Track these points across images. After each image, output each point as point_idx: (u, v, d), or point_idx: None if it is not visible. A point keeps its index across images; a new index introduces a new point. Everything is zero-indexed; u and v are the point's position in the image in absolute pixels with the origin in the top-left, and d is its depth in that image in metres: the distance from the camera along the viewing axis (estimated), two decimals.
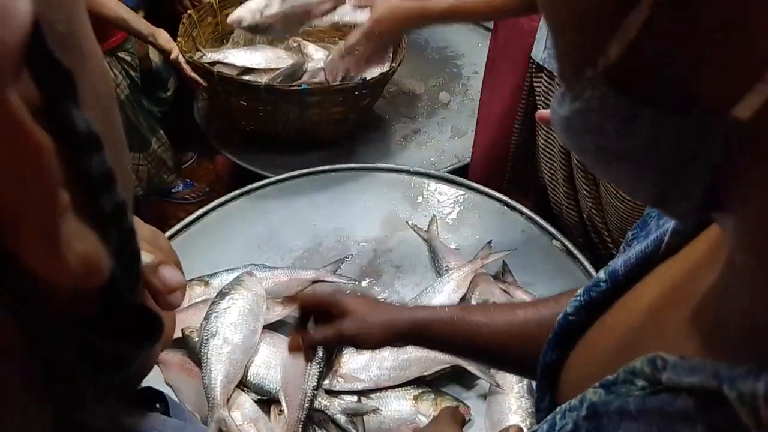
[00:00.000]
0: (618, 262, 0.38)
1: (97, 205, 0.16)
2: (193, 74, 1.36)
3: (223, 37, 1.61)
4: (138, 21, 1.35)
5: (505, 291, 1.11)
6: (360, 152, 1.56)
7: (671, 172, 0.23)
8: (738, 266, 0.25)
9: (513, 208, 1.29)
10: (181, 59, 1.35)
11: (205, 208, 1.29)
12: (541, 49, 1.09)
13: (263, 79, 1.43)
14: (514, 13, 0.99)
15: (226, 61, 1.45)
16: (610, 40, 0.20)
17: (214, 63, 1.44)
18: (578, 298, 0.40)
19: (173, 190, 2.09)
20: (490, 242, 1.18)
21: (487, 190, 1.33)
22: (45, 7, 0.14)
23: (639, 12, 0.19)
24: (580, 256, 1.16)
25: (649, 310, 0.34)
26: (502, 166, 1.33)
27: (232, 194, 1.32)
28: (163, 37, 1.35)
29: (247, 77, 1.43)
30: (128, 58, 1.48)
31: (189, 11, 1.50)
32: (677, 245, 0.35)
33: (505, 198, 1.31)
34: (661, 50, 0.20)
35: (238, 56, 1.46)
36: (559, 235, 1.21)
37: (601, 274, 0.39)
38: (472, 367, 0.95)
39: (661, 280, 0.35)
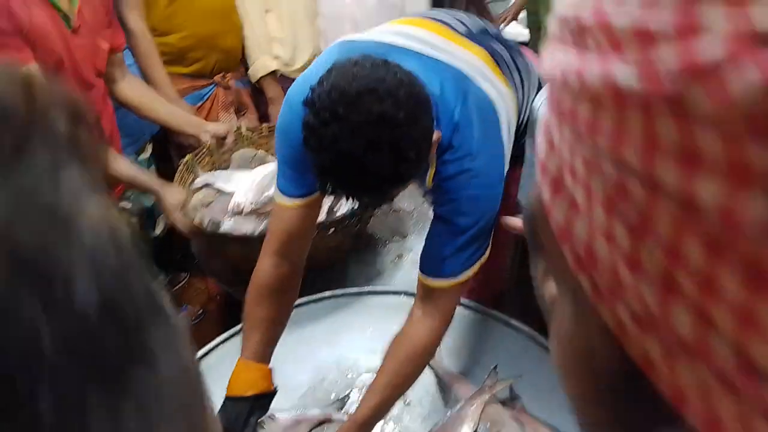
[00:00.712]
0: None
1: None
2: (188, 233, 1.42)
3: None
4: (148, 177, 1.43)
5: (516, 419, 1.09)
6: (353, 274, 1.57)
7: None
8: None
9: (512, 327, 1.30)
10: (178, 221, 1.41)
11: (203, 350, 1.28)
12: (525, 195, 1.15)
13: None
14: None
15: (216, 185, 1.51)
16: None
17: (204, 186, 1.49)
18: None
19: None
20: (495, 367, 1.17)
21: (484, 308, 1.34)
22: None
23: None
24: None
25: None
26: (498, 292, 1.34)
27: (231, 332, 1.31)
28: (174, 196, 1.42)
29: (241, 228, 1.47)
30: (128, 206, 1.52)
31: (187, 157, 1.56)
32: None
33: (503, 316, 1.31)
34: None
35: (230, 180, 1.53)
36: None
37: None
38: None
39: None
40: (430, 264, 1.02)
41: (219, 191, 1.53)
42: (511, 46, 1.16)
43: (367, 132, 0.78)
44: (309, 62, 2.13)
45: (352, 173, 0.81)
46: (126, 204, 1.52)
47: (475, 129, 0.94)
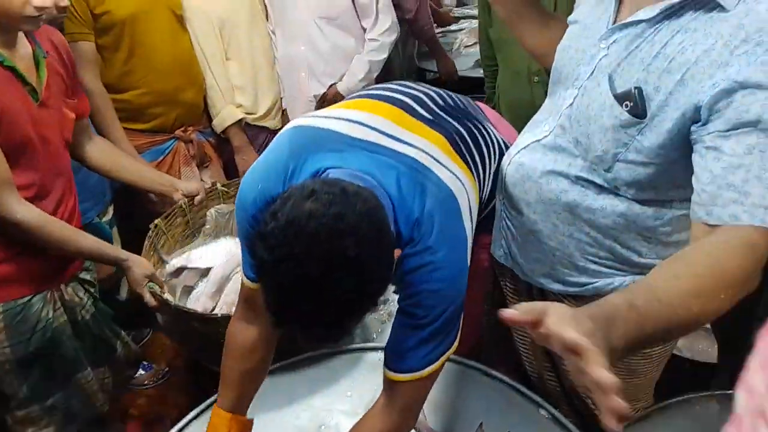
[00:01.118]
0: None
1: None
2: (153, 304, 1.38)
3: (194, 232, 1.64)
4: (114, 249, 1.38)
5: None
6: None
7: None
8: None
9: (493, 377, 1.30)
10: (146, 294, 1.37)
11: (180, 424, 1.23)
12: (497, 246, 1.17)
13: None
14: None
15: (191, 266, 1.47)
16: None
17: (180, 270, 1.45)
18: None
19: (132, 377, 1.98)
20: (481, 425, 1.17)
21: (464, 360, 1.33)
22: None
23: None
24: (569, 424, 1.17)
25: None
26: (474, 344, 1.35)
27: (208, 402, 1.26)
28: (141, 269, 1.37)
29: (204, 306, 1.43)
30: (88, 276, 1.46)
31: (156, 221, 1.52)
32: None
33: (483, 367, 1.32)
34: None
35: (202, 258, 1.49)
36: (545, 404, 1.22)
37: None
38: None
39: None
40: (392, 357, 0.99)
41: (190, 269, 1.50)
42: (471, 117, 1.14)
43: (324, 274, 0.74)
44: (271, 108, 2.14)
45: (309, 313, 0.77)
46: (86, 275, 1.47)
47: (435, 222, 0.90)
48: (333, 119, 1.01)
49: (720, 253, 0.73)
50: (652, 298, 0.68)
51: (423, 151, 0.98)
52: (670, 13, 0.84)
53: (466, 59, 2.86)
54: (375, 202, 0.82)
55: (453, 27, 3.27)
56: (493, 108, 1.93)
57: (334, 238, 0.74)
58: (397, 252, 0.86)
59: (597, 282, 1.02)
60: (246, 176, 1.01)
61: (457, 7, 3.73)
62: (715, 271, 0.71)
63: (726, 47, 0.77)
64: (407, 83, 1.18)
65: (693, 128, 0.81)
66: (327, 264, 0.74)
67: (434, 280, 0.91)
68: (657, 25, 0.85)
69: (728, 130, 0.76)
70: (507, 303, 1.23)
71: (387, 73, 2.29)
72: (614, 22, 0.92)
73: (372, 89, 1.17)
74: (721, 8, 0.79)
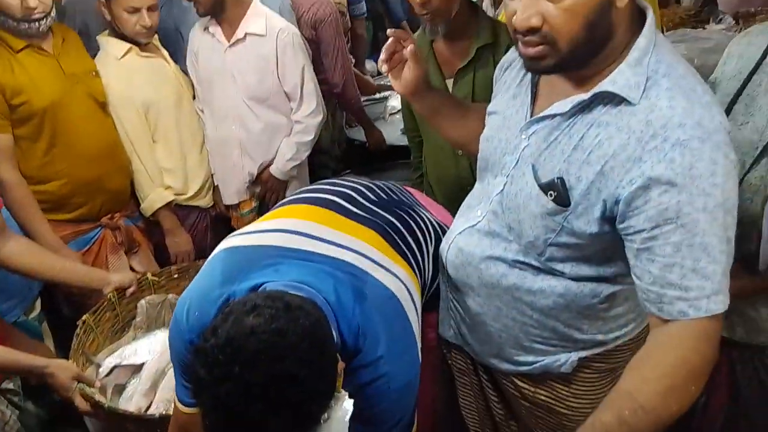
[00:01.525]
0: None
1: None
2: (86, 409, 1.28)
3: (125, 326, 1.55)
4: (31, 358, 1.25)
5: None
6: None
7: None
8: None
9: None
10: (77, 399, 1.27)
11: None
12: (446, 327, 1.19)
13: None
14: None
15: (125, 363, 1.39)
16: None
17: (113, 369, 1.37)
18: None
19: None
20: None
21: None
22: None
23: None
24: None
25: None
26: (427, 423, 1.34)
27: None
28: (66, 372, 1.25)
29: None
30: (11, 385, 1.34)
31: (84, 317, 1.43)
32: None
33: None
34: None
35: (137, 353, 1.41)
36: None
37: None
38: None
39: None
40: None
41: (126, 366, 1.42)
42: (402, 205, 1.16)
43: (266, 394, 0.72)
44: (202, 187, 2.10)
45: None
46: (7, 383, 1.34)
47: (379, 329, 0.89)
48: (264, 233, 1.00)
49: (682, 352, 0.83)
50: (637, 407, 0.78)
51: (358, 253, 0.98)
52: (582, 107, 0.88)
53: (393, 127, 2.93)
54: (318, 314, 0.82)
55: (377, 96, 3.35)
56: (422, 176, 1.98)
57: (276, 357, 0.73)
58: (341, 365, 0.85)
59: (544, 360, 1.05)
60: (182, 298, 0.98)
61: (378, 75, 3.82)
62: (683, 367, 0.81)
63: (639, 142, 0.82)
64: (335, 180, 1.19)
65: (618, 225, 0.86)
66: (268, 383, 0.72)
67: (392, 392, 0.91)
68: (571, 119, 0.89)
69: (653, 228, 0.82)
70: (455, 380, 1.24)
71: (316, 143, 2.31)
72: (531, 115, 0.95)
73: (301, 192, 1.17)
74: (628, 102, 0.84)
